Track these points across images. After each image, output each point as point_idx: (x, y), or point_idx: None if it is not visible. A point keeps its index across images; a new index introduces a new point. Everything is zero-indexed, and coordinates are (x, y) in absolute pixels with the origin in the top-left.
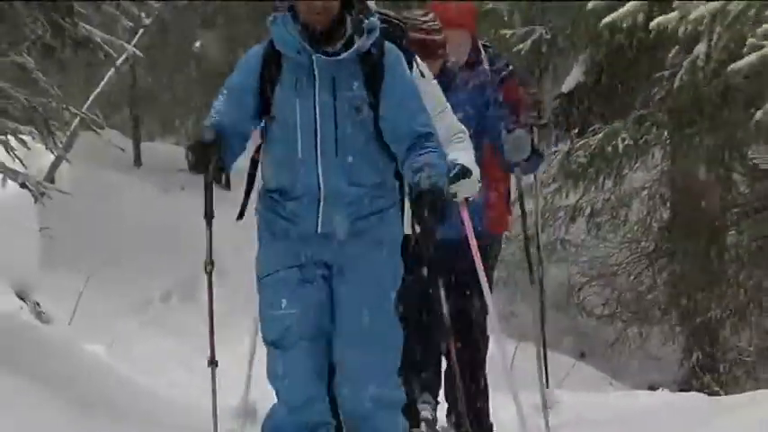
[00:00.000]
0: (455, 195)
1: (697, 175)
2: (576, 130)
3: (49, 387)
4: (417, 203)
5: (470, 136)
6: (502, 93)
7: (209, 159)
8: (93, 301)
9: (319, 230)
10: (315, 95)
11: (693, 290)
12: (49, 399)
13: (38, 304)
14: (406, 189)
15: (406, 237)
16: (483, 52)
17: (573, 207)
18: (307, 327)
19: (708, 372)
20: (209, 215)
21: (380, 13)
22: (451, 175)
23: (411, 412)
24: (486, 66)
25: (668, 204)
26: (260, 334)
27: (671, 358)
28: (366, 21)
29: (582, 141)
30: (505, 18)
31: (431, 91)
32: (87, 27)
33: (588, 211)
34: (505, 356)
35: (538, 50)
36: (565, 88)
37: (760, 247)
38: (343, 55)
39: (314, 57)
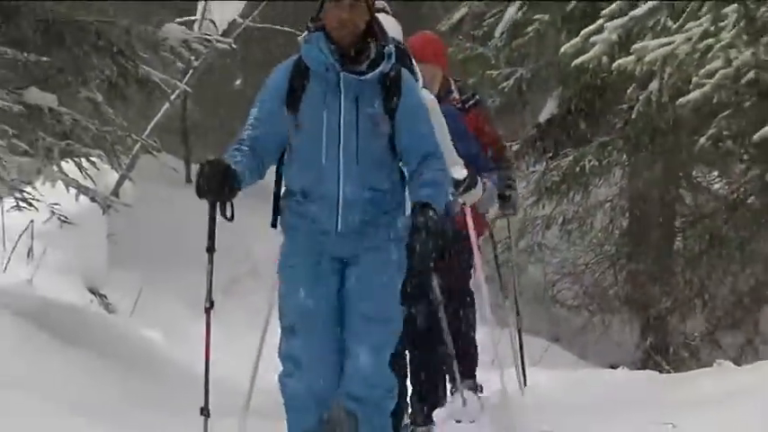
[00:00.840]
0: (463, 203)
1: (651, 190)
2: (550, 154)
3: (111, 363)
4: (416, 236)
5: None
6: (467, 118)
7: (217, 188)
8: (151, 296)
9: (339, 229)
10: (340, 109)
11: (647, 285)
12: (111, 372)
13: (105, 297)
14: (409, 188)
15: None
16: (453, 84)
17: (548, 217)
18: (320, 315)
19: (659, 353)
20: (210, 248)
21: (393, 39)
22: (461, 188)
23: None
24: (456, 95)
25: (627, 214)
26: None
27: (629, 342)
28: (387, 47)
29: (555, 163)
30: (492, 61)
31: (434, 116)
32: (147, 68)
33: (560, 220)
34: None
35: (519, 88)
36: (541, 119)
37: (702, 251)
38: (368, 75)
39: (342, 74)
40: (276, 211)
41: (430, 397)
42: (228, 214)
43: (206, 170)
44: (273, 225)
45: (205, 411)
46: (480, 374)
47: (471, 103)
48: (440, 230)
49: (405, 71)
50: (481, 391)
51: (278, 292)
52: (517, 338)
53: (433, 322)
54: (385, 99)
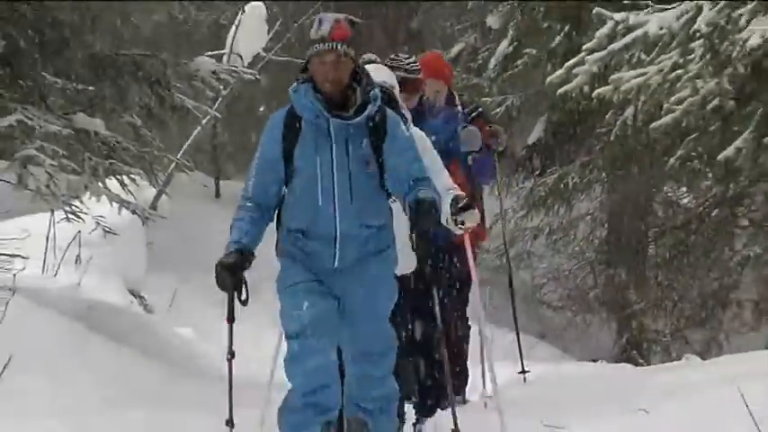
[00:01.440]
0: (462, 223)
1: (626, 204)
2: (538, 172)
3: (149, 355)
4: (416, 211)
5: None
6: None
7: (233, 281)
8: (184, 297)
9: (336, 265)
10: (332, 152)
11: (623, 289)
12: (149, 363)
13: (144, 299)
14: (405, 207)
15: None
16: (457, 98)
17: (535, 228)
18: (321, 326)
19: (634, 348)
20: (230, 318)
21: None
22: (460, 206)
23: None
24: (459, 108)
25: (605, 226)
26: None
27: (607, 339)
28: (372, 91)
29: (542, 180)
30: (486, 90)
31: (422, 146)
32: (181, 96)
33: (546, 230)
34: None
35: (510, 113)
36: (530, 141)
37: (672, 257)
38: (355, 119)
39: (331, 120)
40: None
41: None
42: (243, 298)
43: (219, 273)
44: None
45: (230, 423)
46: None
47: (475, 114)
48: (435, 224)
49: (390, 111)
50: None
51: (280, 311)
52: (516, 338)
53: (431, 343)
54: (372, 139)
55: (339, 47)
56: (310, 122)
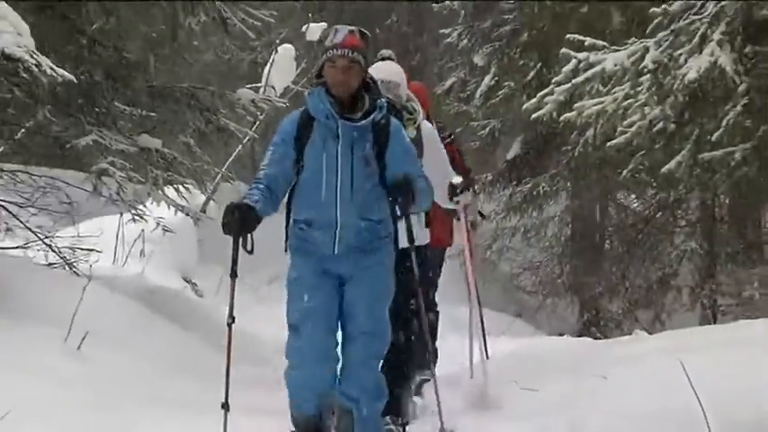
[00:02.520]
0: (457, 203)
1: (587, 208)
2: (515, 182)
3: (199, 332)
4: (396, 185)
5: None
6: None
7: (238, 228)
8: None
9: (336, 252)
10: (338, 151)
11: (585, 276)
12: (200, 337)
13: (195, 285)
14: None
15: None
16: (434, 124)
17: (513, 227)
18: (320, 318)
19: (593, 325)
20: (233, 274)
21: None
22: (459, 189)
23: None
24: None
25: (569, 226)
26: None
27: (571, 317)
28: (378, 100)
29: (519, 188)
30: (473, 115)
31: (430, 139)
32: (226, 120)
33: (522, 229)
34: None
35: (492, 135)
36: (508, 156)
37: (624, 251)
38: (362, 123)
39: (339, 122)
40: (287, 238)
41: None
42: (249, 247)
43: (228, 213)
44: (286, 250)
45: (226, 406)
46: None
47: (448, 140)
48: (413, 198)
49: (393, 119)
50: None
51: (288, 294)
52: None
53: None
54: (375, 143)
55: (350, 53)
56: (321, 123)
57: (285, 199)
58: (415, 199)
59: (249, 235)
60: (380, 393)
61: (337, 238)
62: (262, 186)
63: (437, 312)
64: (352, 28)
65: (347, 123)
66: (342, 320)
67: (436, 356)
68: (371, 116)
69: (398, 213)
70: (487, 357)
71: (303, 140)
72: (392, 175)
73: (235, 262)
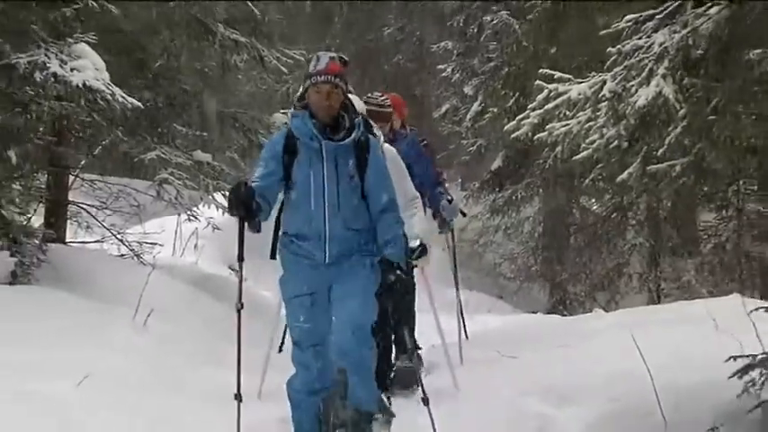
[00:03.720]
0: (416, 266)
1: (556, 210)
2: (498, 189)
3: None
4: (389, 266)
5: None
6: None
7: (246, 208)
8: (266, 272)
9: (326, 261)
10: (323, 168)
11: (554, 265)
12: (244, 319)
13: (238, 272)
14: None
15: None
16: (408, 128)
17: (496, 225)
18: (315, 336)
19: (561, 305)
20: (240, 257)
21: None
22: (415, 255)
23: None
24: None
25: (541, 224)
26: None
27: (542, 299)
28: (357, 119)
29: (501, 194)
30: (463, 135)
31: (394, 162)
32: (264, 139)
33: (503, 227)
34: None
35: (480, 150)
36: (492, 168)
37: (586, 245)
38: (344, 142)
39: (323, 142)
40: (274, 247)
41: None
42: (255, 228)
43: (235, 193)
44: (272, 257)
45: (238, 396)
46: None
47: (424, 143)
48: (403, 271)
49: (371, 137)
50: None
51: (285, 315)
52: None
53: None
54: (357, 159)
55: (333, 79)
56: (305, 143)
57: (275, 213)
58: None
59: (257, 219)
60: (368, 348)
61: (327, 248)
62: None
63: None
64: (333, 54)
65: (330, 143)
66: (334, 311)
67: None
68: (352, 135)
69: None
70: (467, 338)
71: (290, 160)
72: (382, 238)
73: (241, 243)
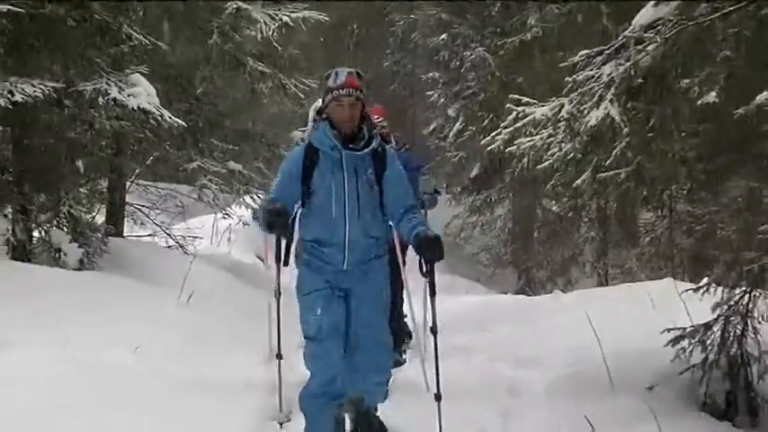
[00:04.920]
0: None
1: (523, 210)
2: (476, 192)
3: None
4: (425, 246)
5: None
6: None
7: (283, 222)
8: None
9: (345, 267)
10: (344, 177)
11: (521, 255)
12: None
13: (264, 260)
14: (406, 238)
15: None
16: (392, 136)
17: (474, 222)
18: (332, 329)
19: (527, 287)
20: (278, 259)
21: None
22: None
23: None
24: (393, 142)
25: (511, 221)
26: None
27: (512, 281)
28: (374, 130)
29: (478, 197)
30: (448, 149)
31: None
32: (285, 152)
33: (480, 224)
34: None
35: (461, 161)
36: (471, 176)
37: (547, 238)
38: (363, 151)
39: (343, 152)
40: (288, 254)
41: None
42: (287, 242)
43: (274, 215)
44: (285, 264)
45: (278, 355)
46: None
47: (407, 147)
48: (441, 255)
49: (388, 148)
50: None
51: (299, 313)
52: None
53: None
54: (375, 168)
55: (354, 92)
56: (326, 154)
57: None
58: (443, 255)
59: (288, 233)
60: (385, 391)
61: (347, 254)
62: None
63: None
64: (351, 69)
65: (350, 153)
66: (347, 329)
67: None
68: (372, 145)
69: (426, 269)
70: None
71: (310, 170)
72: (419, 233)
73: (280, 250)
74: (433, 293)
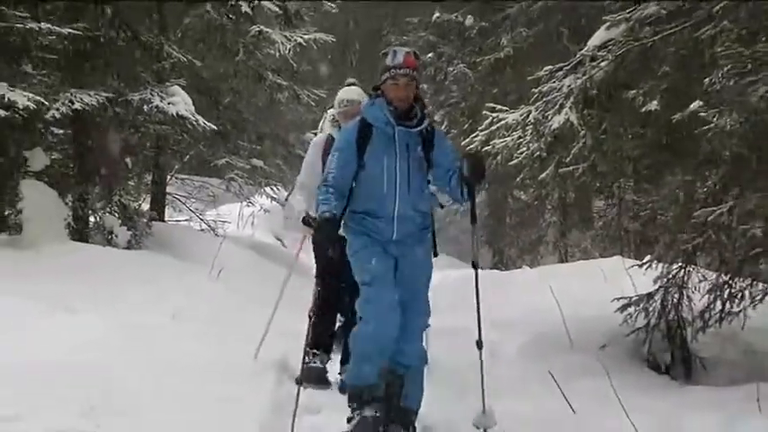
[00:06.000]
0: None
1: (497, 200)
2: None
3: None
4: (467, 164)
5: None
6: None
7: (334, 235)
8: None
9: (394, 237)
10: (396, 153)
11: (495, 236)
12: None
13: (283, 242)
14: (457, 167)
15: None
16: None
17: (456, 210)
18: (385, 277)
19: (500, 263)
20: (331, 256)
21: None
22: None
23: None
24: None
25: (488, 208)
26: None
27: (488, 258)
28: (426, 110)
29: None
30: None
31: None
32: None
33: (461, 210)
34: None
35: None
36: None
37: (516, 223)
38: (415, 129)
39: (396, 129)
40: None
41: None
42: (338, 251)
43: (324, 227)
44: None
45: (299, 381)
46: None
47: None
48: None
49: (436, 127)
50: None
51: (353, 267)
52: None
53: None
54: (424, 146)
55: (411, 72)
56: (380, 129)
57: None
58: (484, 174)
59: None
60: (424, 358)
61: (395, 226)
62: (332, 190)
63: None
64: (408, 50)
65: (403, 129)
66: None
67: None
68: (424, 123)
69: (467, 191)
70: None
71: (363, 145)
72: (459, 161)
73: (330, 258)
74: (473, 220)
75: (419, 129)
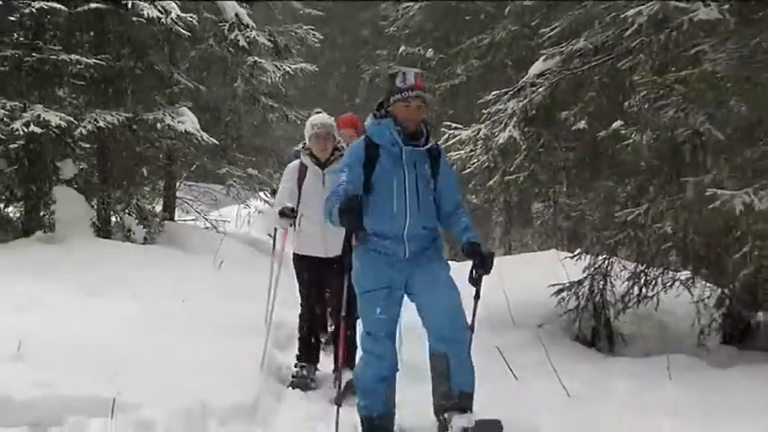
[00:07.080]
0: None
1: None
2: None
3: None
4: (480, 261)
5: None
6: None
7: (358, 220)
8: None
9: (406, 257)
10: (404, 172)
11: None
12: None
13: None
14: (456, 238)
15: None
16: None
17: None
18: (389, 325)
19: (455, 257)
20: (347, 249)
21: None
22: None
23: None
24: None
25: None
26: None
27: (445, 252)
28: (429, 130)
29: None
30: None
31: None
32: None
33: None
34: None
35: None
36: None
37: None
38: (422, 148)
39: (404, 148)
40: (351, 242)
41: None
42: (362, 234)
43: (349, 203)
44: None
45: (338, 401)
46: None
47: None
48: (492, 265)
49: (441, 148)
50: None
51: (359, 308)
52: None
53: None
54: (431, 165)
55: (421, 93)
56: (386, 149)
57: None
58: (491, 270)
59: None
60: (466, 336)
61: (407, 246)
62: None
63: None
64: (416, 71)
65: (409, 149)
66: (417, 301)
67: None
68: (429, 143)
69: (476, 279)
70: None
71: (371, 164)
72: (474, 243)
73: (349, 239)
74: (477, 297)
75: (426, 147)
